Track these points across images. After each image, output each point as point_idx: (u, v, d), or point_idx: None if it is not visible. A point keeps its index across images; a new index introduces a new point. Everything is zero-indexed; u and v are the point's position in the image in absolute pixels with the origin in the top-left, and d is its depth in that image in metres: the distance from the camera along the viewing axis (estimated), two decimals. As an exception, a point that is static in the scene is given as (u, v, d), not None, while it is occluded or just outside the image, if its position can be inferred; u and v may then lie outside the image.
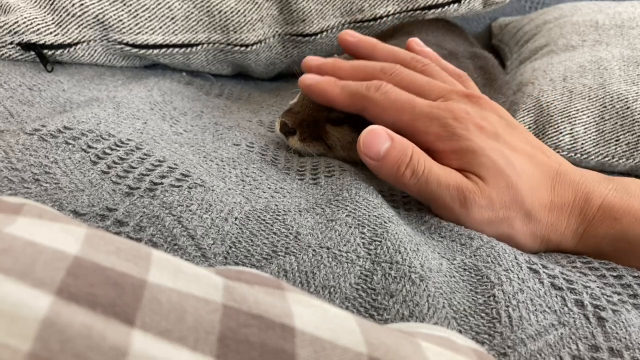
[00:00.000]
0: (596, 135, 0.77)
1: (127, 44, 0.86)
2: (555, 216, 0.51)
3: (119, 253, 0.24)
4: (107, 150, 0.51)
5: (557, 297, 0.42)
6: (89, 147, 0.50)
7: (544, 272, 0.45)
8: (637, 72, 0.80)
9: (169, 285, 0.23)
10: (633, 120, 0.76)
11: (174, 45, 0.87)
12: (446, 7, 0.94)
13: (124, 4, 0.85)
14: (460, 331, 0.38)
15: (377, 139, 0.50)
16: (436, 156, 0.51)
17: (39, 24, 0.81)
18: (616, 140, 0.76)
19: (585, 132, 0.77)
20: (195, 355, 0.20)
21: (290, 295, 0.26)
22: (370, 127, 0.51)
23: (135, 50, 0.86)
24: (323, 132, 0.63)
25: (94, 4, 0.84)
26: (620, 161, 0.76)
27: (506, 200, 0.49)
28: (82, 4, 0.83)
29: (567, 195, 0.51)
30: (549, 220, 0.50)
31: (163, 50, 0.87)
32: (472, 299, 0.41)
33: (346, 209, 0.47)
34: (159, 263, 0.24)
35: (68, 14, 0.83)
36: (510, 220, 0.50)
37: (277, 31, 0.92)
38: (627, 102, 0.77)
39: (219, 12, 0.88)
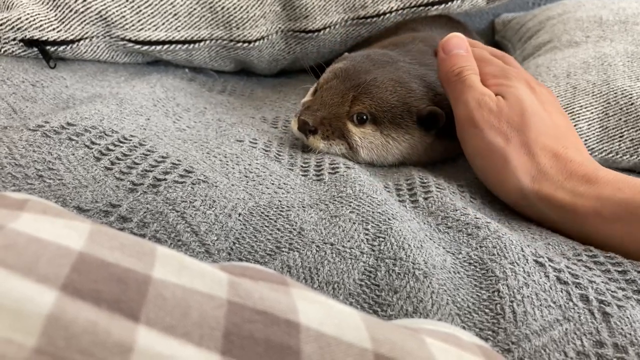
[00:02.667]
0: (600, 131, 0.77)
1: (129, 41, 0.85)
2: (558, 165, 0.55)
3: (123, 249, 0.24)
4: (111, 147, 0.51)
5: (562, 292, 0.42)
6: (93, 143, 0.50)
7: (549, 265, 0.45)
8: (641, 68, 0.80)
9: (173, 280, 0.23)
10: (637, 116, 0.76)
11: (177, 42, 0.87)
12: (449, 3, 0.93)
13: (127, 0, 0.85)
14: (464, 328, 0.38)
15: (458, 43, 0.65)
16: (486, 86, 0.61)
17: (41, 21, 0.81)
18: (620, 137, 0.76)
19: (589, 129, 0.77)
20: (200, 351, 0.20)
21: (295, 291, 0.26)
22: (455, 34, 0.66)
23: (138, 46, 0.86)
24: (345, 131, 0.63)
25: (96, 0, 0.83)
26: (624, 157, 0.76)
27: (514, 121, 0.57)
28: (85, 1, 0.83)
29: (575, 157, 0.55)
30: (548, 164, 0.55)
31: (166, 46, 0.87)
32: (477, 294, 0.41)
33: (350, 206, 0.47)
34: (163, 259, 0.24)
35: (71, 10, 0.83)
36: (509, 138, 0.56)
37: (279, 27, 0.92)
38: (631, 98, 0.77)
39: (222, 9, 0.88)
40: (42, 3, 0.83)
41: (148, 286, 0.22)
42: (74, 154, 0.48)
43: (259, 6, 0.89)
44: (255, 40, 0.90)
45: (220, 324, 0.22)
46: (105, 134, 0.52)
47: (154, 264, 0.24)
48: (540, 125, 0.57)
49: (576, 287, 0.42)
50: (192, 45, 0.88)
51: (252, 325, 0.22)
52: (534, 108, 0.58)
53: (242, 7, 0.88)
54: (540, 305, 0.40)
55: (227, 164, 0.52)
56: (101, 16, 0.84)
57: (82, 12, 0.83)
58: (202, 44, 0.89)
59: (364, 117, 0.63)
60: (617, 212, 0.50)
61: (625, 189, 0.50)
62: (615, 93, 0.78)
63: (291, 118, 0.64)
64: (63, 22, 0.82)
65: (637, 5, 0.96)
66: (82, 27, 0.83)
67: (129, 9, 0.85)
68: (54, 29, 0.82)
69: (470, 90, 0.60)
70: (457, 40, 0.65)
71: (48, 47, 0.81)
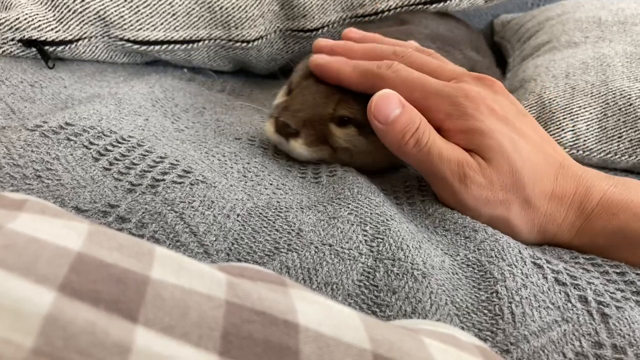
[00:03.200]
0: (599, 132, 0.77)
1: (128, 40, 0.85)
2: (555, 206, 0.51)
3: (121, 249, 0.24)
4: (109, 147, 0.51)
5: (560, 293, 0.42)
6: (91, 143, 0.50)
7: (547, 267, 0.45)
8: (640, 69, 0.80)
9: (172, 281, 0.23)
10: (636, 117, 0.76)
11: (176, 42, 0.87)
12: (447, 2, 0.94)
13: (125, 0, 0.85)
14: (462, 328, 0.38)
15: (388, 104, 0.50)
16: (445, 135, 0.51)
17: (40, 21, 0.81)
18: (619, 137, 0.76)
19: (587, 129, 0.77)
20: (198, 352, 0.20)
21: (294, 291, 0.26)
22: (384, 90, 0.51)
23: (136, 46, 0.86)
24: (328, 134, 0.57)
25: (95, 0, 0.83)
26: (623, 158, 0.76)
27: (507, 184, 0.49)
28: (83, 1, 0.83)
29: (568, 187, 0.51)
30: (547, 210, 0.51)
31: (164, 46, 0.87)
32: (475, 295, 0.41)
33: (348, 207, 0.47)
34: (162, 259, 0.24)
35: (69, 10, 0.83)
36: (509, 204, 0.50)
37: (278, 27, 0.92)
38: (630, 98, 0.77)
39: (220, 8, 0.88)
40: (41, 3, 0.83)
41: (147, 287, 0.22)
42: (72, 154, 0.48)
43: (257, 6, 0.89)
44: (253, 40, 0.90)
45: (218, 324, 0.22)
46: (104, 134, 0.52)
47: (153, 265, 0.24)
48: (531, 169, 0.50)
49: (575, 288, 0.43)
50: (190, 45, 0.88)
51: (251, 326, 0.22)
52: (518, 151, 0.50)
53: (240, 6, 0.89)
54: (539, 306, 0.40)
55: (225, 163, 0.52)
56: (99, 16, 0.84)
57: (81, 12, 0.83)
58: (200, 43, 0.89)
59: (346, 119, 0.56)
60: (613, 240, 0.49)
61: (620, 214, 0.49)
62: (613, 94, 0.78)
63: (264, 120, 0.58)
64: (61, 22, 0.82)
65: (636, 6, 0.96)
66: (81, 27, 0.83)
67: (127, 9, 0.85)
68: (52, 29, 0.81)
69: (441, 162, 0.49)
70: (386, 100, 0.51)
71: (47, 47, 0.81)
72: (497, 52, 1.21)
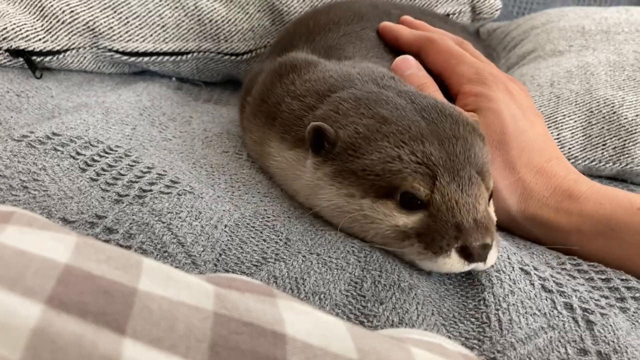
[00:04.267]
0: (583, 139, 0.77)
1: (117, 51, 0.85)
2: (542, 181, 0.54)
3: (109, 261, 0.24)
4: (96, 157, 0.50)
5: (547, 300, 0.42)
6: (78, 153, 0.50)
7: (535, 273, 0.45)
8: (623, 77, 0.81)
9: (159, 293, 0.23)
10: (619, 125, 0.77)
11: (165, 53, 0.87)
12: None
13: (115, 12, 0.85)
14: (450, 337, 0.38)
15: (405, 64, 0.62)
16: (459, 97, 0.59)
17: (28, 31, 0.81)
18: (603, 145, 0.77)
19: (572, 137, 0.77)
20: (186, 363, 0.20)
21: (282, 302, 0.26)
22: (406, 56, 0.63)
23: (125, 57, 0.86)
24: None
25: (84, 11, 0.83)
26: (607, 165, 0.77)
27: (494, 140, 0.55)
28: (72, 11, 0.83)
29: (559, 171, 0.55)
30: (532, 181, 0.54)
31: (153, 58, 0.87)
32: (463, 304, 0.41)
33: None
34: (150, 271, 0.24)
35: (58, 21, 0.83)
36: (492, 160, 0.53)
37: (268, 42, 0.92)
38: (613, 107, 0.78)
39: (210, 21, 0.88)
40: (29, 13, 0.82)
41: (134, 298, 0.22)
42: (59, 165, 0.48)
43: (247, 20, 0.89)
44: (243, 54, 0.90)
45: (206, 335, 0.22)
46: (91, 144, 0.52)
47: (141, 276, 0.24)
48: (522, 139, 0.55)
49: (560, 295, 0.43)
50: (179, 57, 0.88)
51: (239, 337, 0.22)
52: (515, 122, 0.56)
53: (230, 20, 0.89)
54: (526, 313, 0.40)
55: (213, 174, 0.52)
56: (89, 27, 0.84)
57: (70, 22, 0.83)
58: (189, 55, 0.89)
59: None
60: (598, 228, 0.51)
61: (606, 204, 0.51)
62: (597, 102, 0.79)
63: (442, 250, 0.42)
64: (50, 33, 0.82)
65: (618, 15, 0.98)
66: (69, 38, 0.83)
67: (116, 20, 0.85)
68: (40, 40, 0.81)
69: None
70: (406, 62, 0.62)
71: (34, 57, 0.81)
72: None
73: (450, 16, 0.96)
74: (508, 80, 0.61)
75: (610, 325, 0.40)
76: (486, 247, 0.42)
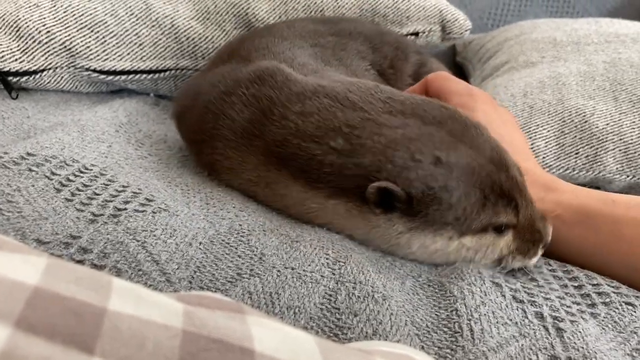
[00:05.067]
0: (557, 148, 0.79)
1: (94, 71, 0.86)
2: None
3: (79, 282, 0.24)
4: (71, 177, 0.51)
5: (518, 310, 0.43)
6: (53, 173, 0.50)
7: (506, 285, 0.46)
8: (593, 87, 0.83)
9: (129, 312, 0.23)
10: (591, 133, 0.78)
11: (142, 72, 0.88)
12: (412, 40, 0.97)
13: (92, 31, 0.85)
14: (423, 347, 0.38)
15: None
16: None
17: (3, 51, 0.81)
18: (576, 153, 0.79)
19: (546, 146, 0.79)
20: (154, 381, 0.21)
21: (251, 318, 0.26)
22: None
23: (102, 76, 0.86)
24: None
25: (60, 31, 0.84)
26: (581, 173, 0.78)
27: None
28: (48, 31, 0.83)
29: (536, 169, 0.59)
30: None
31: (131, 76, 0.87)
32: (435, 314, 0.42)
33: (310, 234, 0.48)
34: (120, 291, 0.25)
35: (34, 41, 0.83)
36: None
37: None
38: (584, 116, 0.79)
39: (187, 39, 0.89)
40: (5, 33, 0.82)
41: (103, 318, 0.23)
42: (34, 185, 0.48)
43: (224, 37, 0.90)
44: (220, 69, 0.91)
45: (175, 353, 0.22)
46: (66, 164, 0.52)
47: (111, 296, 0.24)
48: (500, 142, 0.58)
49: (532, 304, 0.44)
50: (157, 75, 0.89)
51: (207, 354, 0.23)
52: (492, 127, 0.58)
53: (207, 37, 0.90)
54: (497, 322, 0.41)
55: (188, 192, 0.53)
56: (65, 47, 0.84)
57: (46, 42, 0.83)
58: (167, 73, 0.89)
59: None
60: (575, 217, 0.53)
61: (582, 196, 0.54)
62: (569, 112, 0.80)
63: (535, 254, 0.52)
64: (26, 53, 0.82)
65: (588, 27, 1.00)
66: (46, 58, 0.83)
67: (93, 39, 0.85)
68: (16, 60, 0.81)
69: None
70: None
71: (10, 78, 0.81)
72: (460, 72, 1.24)
73: (420, 34, 0.98)
74: (493, 100, 0.68)
75: (580, 332, 0.41)
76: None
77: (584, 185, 0.79)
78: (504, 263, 0.51)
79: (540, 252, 0.51)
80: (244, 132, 0.55)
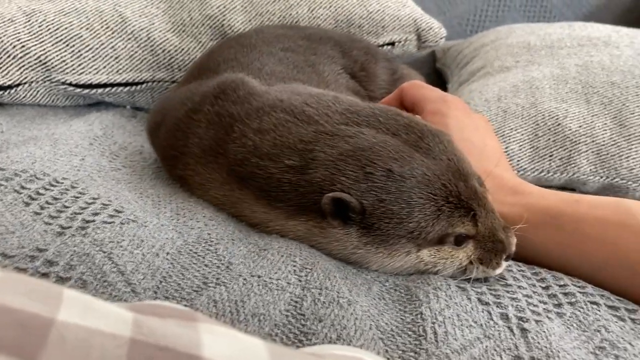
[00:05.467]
0: (531, 151, 0.80)
1: (70, 84, 0.86)
2: (489, 181, 0.57)
3: (30, 294, 0.24)
4: (41, 190, 0.51)
5: (483, 312, 0.43)
6: (22, 187, 0.51)
7: (472, 288, 0.46)
8: (566, 90, 0.84)
9: (77, 322, 0.24)
10: (564, 136, 0.79)
11: (119, 84, 0.88)
12: (381, 48, 0.98)
13: (67, 45, 0.86)
14: (387, 351, 0.39)
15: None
16: (424, 115, 0.66)
17: (-22, 67, 0.81)
18: (550, 156, 0.79)
19: (520, 149, 0.80)
20: (99, 389, 0.21)
21: (203, 325, 0.26)
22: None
23: (79, 90, 0.86)
24: None
25: (35, 45, 0.84)
26: (555, 175, 0.79)
27: None
28: (23, 46, 0.83)
29: (505, 174, 0.61)
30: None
31: (107, 89, 0.88)
32: (401, 318, 0.42)
33: (278, 242, 0.49)
34: (69, 301, 0.25)
35: (9, 56, 0.83)
36: None
37: (222, 67, 0.94)
38: (557, 119, 0.80)
39: (163, 51, 0.89)
40: (-21, 49, 0.83)
41: (50, 329, 0.23)
42: (2, 200, 0.48)
43: (200, 49, 0.91)
44: (197, 80, 0.92)
45: None
46: (36, 178, 0.52)
47: (60, 307, 0.24)
48: (467, 146, 0.58)
49: (497, 306, 0.44)
50: (134, 87, 0.89)
51: None
52: (462, 132, 0.61)
53: (183, 49, 0.90)
54: (462, 325, 0.41)
55: (159, 204, 0.53)
56: (41, 61, 0.84)
57: (21, 57, 0.83)
58: (144, 85, 0.90)
59: None
60: (541, 218, 0.54)
61: (548, 197, 0.55)
62: (543, 115, 0.81)
63: (498, 264, 0.50)
64: (0, 68, 0.83)
65: (561, 31, 1.01)
66: (21, 73, 0.84)
67: (69, 53, 0.85)
68: (-10, 75, 0.82)
69: None
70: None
71: (-15, 93, 0.81)
72: (440, 78, 1.25)
73: (396, 44, 0.99)
74: (467, 106, 0.69)
75: (544, 332, 0.42)
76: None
77: (559, 187, 0.80)
78: (467, 273, 0.50)
79: (504, 263, 0.50)
80: (211, 150, 0.55)
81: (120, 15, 0.88)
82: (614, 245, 0.49)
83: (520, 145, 0.80)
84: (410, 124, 0.51)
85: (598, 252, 0.50)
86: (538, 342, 0.40)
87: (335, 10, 0.95)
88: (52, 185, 0.52)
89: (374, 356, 0.30)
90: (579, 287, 0.48)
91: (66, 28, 0.85)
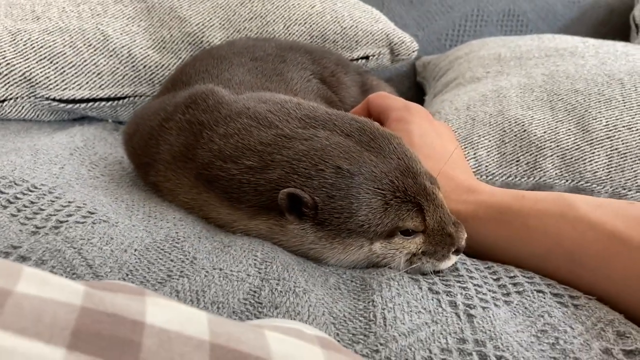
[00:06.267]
0: (498, 157, 0.83)
1: (54, 100, 0.89)
2: (445, 181, 0.61)
3: (-7, 273, 0.27)
4: (19, 195, 0.53)
5: (433, 300, 0.46)
6: (1, 192, 0.53)
7: (423, 280, 0.49)
8: (532, 98, 0.87)
9: (33, 293, 0.26)
10: (530, 142, 0.82)
11: (101, 99, 0.91)
12: (355, 62, 1.02)
13: (51, 62, 0.89)
14: (338, 334, 0.41)
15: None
16: (387, 124, 0.69)
17: (-35, 84, 0.84)
18: (517, 161, 0.82)
19: (488, 155, 0.83)
20: (48, 346, 0.24)
21: (149, 299, 0.29)
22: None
23: (62, 105, 0.90)
24: None
25: (20, 62, 0.87)
26: (523, 180, 0.82)
27: None
28: (8, 63, 0.87)
29: (461, 175, 0.64)
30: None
31: (90, 104, 0.91)
32: (354, 305, 0.45)
33: (242, 240, 0.51)
34: (28, 276, 0.28)
35: (-5, 73, 0.86)
36: None
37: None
38: (523, 125, 0.83)
39: (144, 67, 0.93)
40: (-34, 67, 0.86)
41: (8, 298, 0.26)
42: (-20, 204, 0.51)
43: (180, 64, 0.94)
44: (178, 95, 0.95)
45: (70, 325, 0.25)
46: (15, 183, 0.55)
47: (19, 281, 0.27)
48: (427, 151, 0.63)
49: (447, 294, 0.47)
50: (116, 102, 0.92)
51: (100, 325, 0.26)
52: (423, 138, 0.64)
53: (164, 65, 0.94)
54: (411, 311, 0.44)
55: (132, 207, 0.56)
56: (25, 77, 0.87)
57: (6, 74, 0.86)
58: (126, 100, 0.93)
59: None
60: (490, 213, 0.57)
61: (497, 194, 0.59)
62: (509, 122, 0.84)
63: (445, 257, 0.53)
64: (-13, 85, 0.86)
65: (531, 42, 1.05)
66: (7, 89, 0.87)
67: (52, 70, 0.89)
68: (-23, 92, 0.85)
69: None
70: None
71: (-29, 109, 0.84)
72: (420, 91, 1.29)
73: (370, 58, 1.03)
74: (430, 115, 0.73)
75: (490, 317, 0.44)
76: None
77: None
78: (415, 265, 0.53)
79: (453, 257, 0.53)
80: (181, 156, 0.58)
81: (102, 33, 0.91)
82: (555, 236, 0.52)
83: (488, 151, 0.83)
84: (364, 127, 0.54)
85: (542, 244, 0.53)
86: (483, 326, 0.43)
87: (310, 26, 0.98)
88: (30, 190, 0.54)
89: (311, 328, 0.32)
90: (527, 277, 0.51)
91: (50, 46, 0.89)
